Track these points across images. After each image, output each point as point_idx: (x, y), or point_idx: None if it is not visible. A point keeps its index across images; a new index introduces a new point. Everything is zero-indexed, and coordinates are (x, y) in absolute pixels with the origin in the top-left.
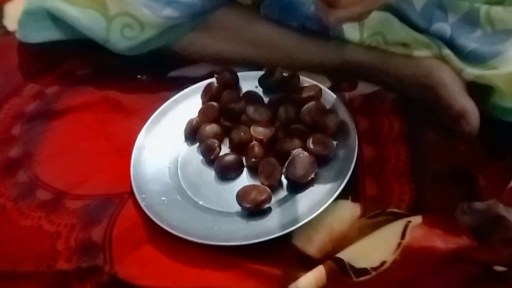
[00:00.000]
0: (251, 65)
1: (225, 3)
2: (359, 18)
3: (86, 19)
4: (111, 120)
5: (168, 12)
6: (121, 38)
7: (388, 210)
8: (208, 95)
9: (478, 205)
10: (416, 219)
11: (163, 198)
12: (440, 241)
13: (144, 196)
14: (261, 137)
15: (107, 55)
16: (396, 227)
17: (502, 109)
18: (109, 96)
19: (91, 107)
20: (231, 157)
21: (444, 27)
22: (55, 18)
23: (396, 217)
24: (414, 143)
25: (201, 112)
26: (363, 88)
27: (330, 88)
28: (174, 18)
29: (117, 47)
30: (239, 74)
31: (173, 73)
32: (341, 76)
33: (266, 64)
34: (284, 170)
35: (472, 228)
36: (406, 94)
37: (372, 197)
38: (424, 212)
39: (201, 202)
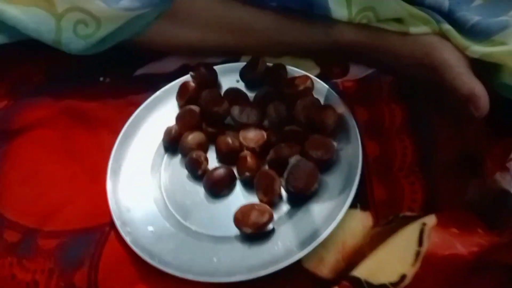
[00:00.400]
0: (227, 54)
1: None
2: None
3: (30, 19)
4: (75, 135)
5: (126, 2)
6: (74, 38)
7: (401, 214)
8: (184, 97)
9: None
10: (431, 220)
11: (150, 229)
12: (460, 245)
13: (128, 229)
14: (253, 146)
15: (62, 56)
16: (411, 233)
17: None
18: (70, 106)
19: (51, 121)
20: (221, 171)
21: None
22: None
23: (409, 220)
24: (419, 133)
25: (179, 118)
26: (356, 71)
27: (319, 76)
28: (134, 9)
29: (71, 48)
30: (216, 68)
31: (140, 71)
32: (330, 60)
33: (244, 51)
34: (283, 182)
35: (480, 208)
36: (404, 75)
37: (382, 202)
38: (437, 210)
39: (193, 228)
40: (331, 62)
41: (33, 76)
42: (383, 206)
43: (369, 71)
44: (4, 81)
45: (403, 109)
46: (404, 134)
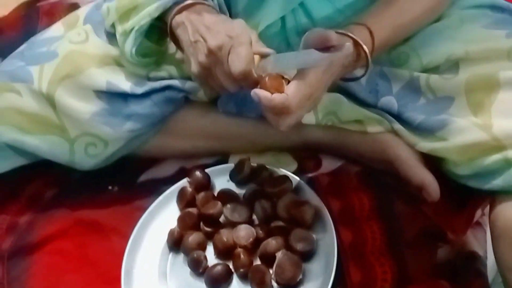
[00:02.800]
0: (217, 155)
1: (183, 104)
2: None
3: (47, 145)
4: (90, 243)
5: (130, 125)
6: (86, 158)
7: None
8: (183, 201)
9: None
10: None
11: None
12: None
13: None
14: (245, 244)
15: (73, 170)
16: None
17: (457, 176)
18: (83, 216)
19: (68, 232)
20: (219, 269)
21: (391, 100)
22: (15, 147)
23: None
24: (385, 217)
25: (180, 220)
26: (328, 164)
27: (297, 170)
28: (136, 130)
29: (83, 166)
30: (209, 171)
31: (143, 177)
32: (305, 152)
33: (232, 151)
34: (273, 275)
35: (450, 272)
36: (368, 166)
37: (358, 284)
38: (408, 284)
39: None
40: (305, 156)
41: (47, 189)
42: (359, 287)
43: (339, 163)
44: (23, 196)
45: (370, 197)
46: (373, 220)
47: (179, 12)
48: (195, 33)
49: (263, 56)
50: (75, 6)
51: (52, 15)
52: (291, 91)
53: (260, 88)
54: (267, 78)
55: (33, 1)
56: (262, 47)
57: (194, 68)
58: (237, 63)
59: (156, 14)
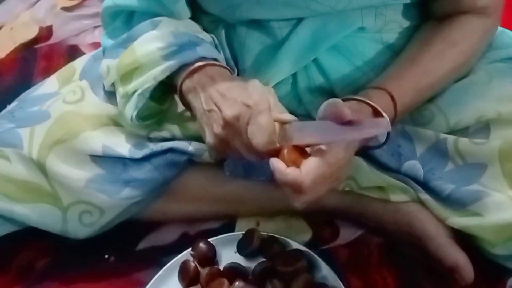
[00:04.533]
0: (223, 219)
1: (186, 167)
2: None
3: (38, 214)
4: None
5: (127, 192)
6: (80, 226)
7: None
8: (186, 278)
9: None
10: None
11: None
12: None
13: None
14: None
15: (67, 239)
16: None
17: (492, 255)
18: None
19: None
20: None
21: (416, 166)
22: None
23: None
24: None
25: None
26: (346, 233)
27: (311, 240)
28: (135, 197)
29: (77, 235)
30: (214, 240)
31: (141, 245)
32: (320, 217)
33: (238, 215)
34: None
35: None
36: (391, 238)
37: None
38: None
39: None
40: (320, 222)
41: (38, 259)
42: None
43: (359, 232)
44: (12, 267)
45: (395, 276)
46: None
47: (189, 76)
48: (209, 100)
49: (284, 122)
50: (74, 48)
51: (50, 58)
52: (305, 169)
53: (278, 158)
54: (285, 151)
55: (32, 43)
56: (283, 113)
57: (210, 139)
58: (258, 135)
59: (161, 78)
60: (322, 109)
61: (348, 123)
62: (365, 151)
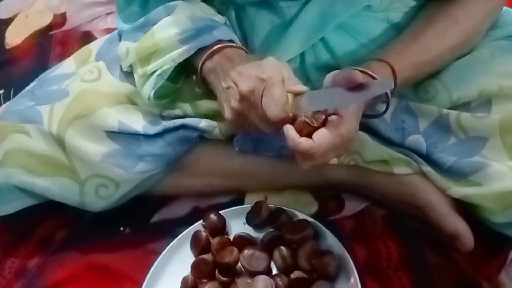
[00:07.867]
0: (232, 193)
1: (197, 143)
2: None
3: (57, 187)
4: None
5: (142, 167)
6: (96, 199)
7: None
8: (198, 247)
9: None
10: None
11: None
12: None
13: None
14: None
15: (84, 212)
16: None
17: (492, 223)
18: (95, 261)
19: (79, 278)
20: None
21: (419, 140)
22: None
23: None
24: (415, 268)
25: (194, 267)
26: (351, 206)
27: (317, 212)
28: (149, 171)
29: (94, 208)
30: (224, 212)
31: (155, 218)
32: (326, 191)
33: (247, 190)
34: None
35: None
36: (394, 209)
37: None
38: None
39: None
40: (326, 196)
41: (58, 231)
42: None
43: (363, 205)
44: (32, 238)
45: (398, 246)
46: (401, 271)
47: (209, 57)
48: (227, 79)
49: (298, 93)
50: (88, 34)
51: (65, 44)
52: (318, 140)
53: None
54: (298, 120)
55: (47, 30)
56: (296, 84)
57: (228, 114)
58: (272, 106)
59: (180, 60)
60: (330, 78)
61: (357, 88)
62: (369, 127)
